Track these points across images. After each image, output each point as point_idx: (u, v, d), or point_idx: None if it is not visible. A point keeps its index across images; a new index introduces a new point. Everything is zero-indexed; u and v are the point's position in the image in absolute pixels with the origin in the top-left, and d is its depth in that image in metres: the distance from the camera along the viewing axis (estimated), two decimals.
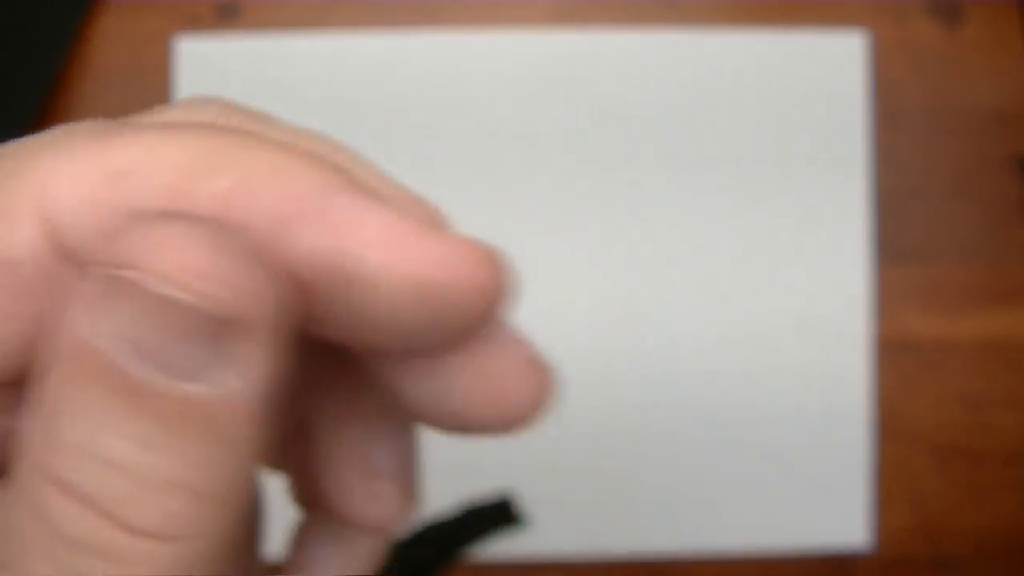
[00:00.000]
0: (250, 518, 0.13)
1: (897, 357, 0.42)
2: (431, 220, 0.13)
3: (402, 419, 0.15)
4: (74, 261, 0.12)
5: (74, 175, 0.12)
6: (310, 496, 0.15)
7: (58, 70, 0.41)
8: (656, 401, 0.41)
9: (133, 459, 0.10)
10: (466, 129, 0.42)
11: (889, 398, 0.42)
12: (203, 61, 0.42)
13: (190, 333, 0.10)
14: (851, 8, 0.43)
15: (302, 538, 0.16)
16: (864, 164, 0.42)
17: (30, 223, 0.12)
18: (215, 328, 0.10)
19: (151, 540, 0.10)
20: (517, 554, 0.41)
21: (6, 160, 0.12)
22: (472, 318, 0.12)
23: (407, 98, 0.42)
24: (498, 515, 0.41)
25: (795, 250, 0.42)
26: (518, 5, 0.43)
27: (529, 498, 0.41)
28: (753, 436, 0.41)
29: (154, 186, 0.11)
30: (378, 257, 0.11)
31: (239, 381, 0.10)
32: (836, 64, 0.42)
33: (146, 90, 0.42)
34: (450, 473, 0.41)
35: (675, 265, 0.42)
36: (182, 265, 0.10)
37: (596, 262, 0.42)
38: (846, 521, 0.42)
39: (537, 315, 0.42)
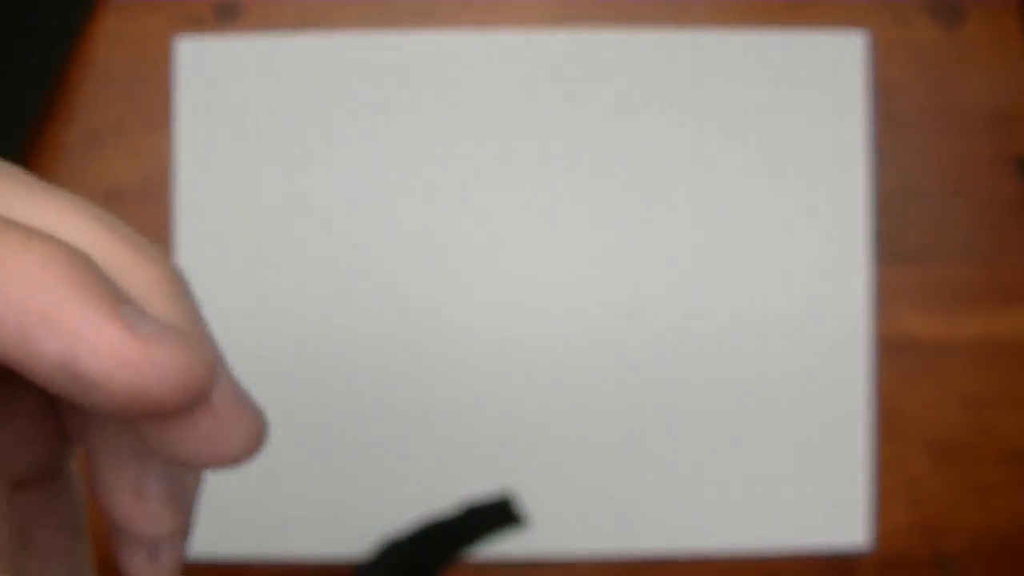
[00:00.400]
0: None
1: (897, 357, 0.42)
2: (158, 292, 0.14)
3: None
4: None
5: None
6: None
7: (58, 70, 0.42)
8: (656, 401, 0.41)
9: None
10: (466, 129, 0.42)
11: (889, 398, 0.42)
12: (203, 61, 0.42)
13: None
14: (851, 8, 0.43)
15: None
16: (864, 164, 0.42)
17: None
18: None
19: None
20: (517, 554, 0.41)
21: None
22: (180, 406, 0.13)
23: (407, 98, 0.42)
24: (498, 515, 0.41)
25: (795, 250, 0.42)
26: (518, 5, 0.43)
27: (529, 498, 0.41)
28: (753, 436, 0.41)
29: None
30: (95, 365, 0.12)
31: None
32: (836, 64, 0.42)
33: (146, 90, 0.42)
34: (450, 473, 0.41)
35: (675, 265, 0.42)
36: None
37: (596, 262, 0.42)
38: (845, 520, 0.42)
39: (537, 314, 0.42)
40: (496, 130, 0.42)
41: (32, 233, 0.13)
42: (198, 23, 0.42)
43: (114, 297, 0.13)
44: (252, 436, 0.14)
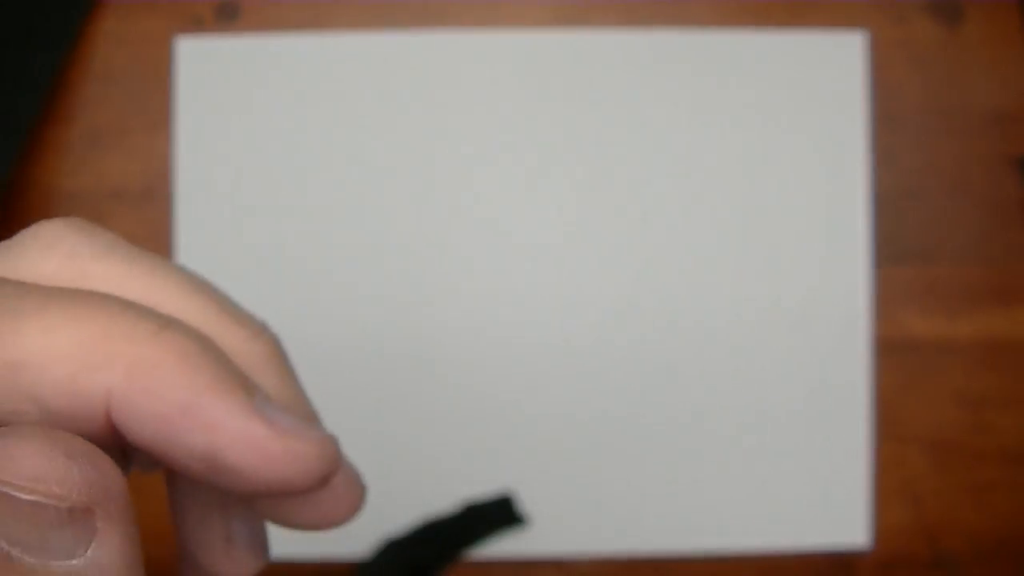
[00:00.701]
0: None
1: (896, 357, 0.42)
2: (281, 382, 0.15)
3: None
4: None
5: None
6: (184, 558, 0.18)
7: (58, 70, 0.42)
8: (656, 401, 0.41)
9: None
10: (466, 129, 0.42)
11: (888, 398, 0.42)
12: (203, 61, 0.42)
13: (48, 524, 0.12)
14: (851, 8, 0.43)
15: None
16: (864, 164, 0.42)
17: None
18: (66, 517, 0.12)
19: None
20: (517, 554, 0.41)
21: None
22: (312, 490, 0.14)
23: (407, 98, 0.42)
24: (498, 515, 0.41)
25: (795, 250, 0.42)
26: (518, 5, 0.43)
27: (529, 498, 0.41)
28: (752, 435, 0.41)
29: (50, 380, 0.13)
30: (237, 458, 0.13)
31: (105, 551, 0.12)
32: (836, 64, 0.42)
33: (146, 90, 0.42)
34: (450, 473, 0.41)
35: (674, 265, 0.42)
36: (20, 472, 0.12)
37: (596, 262, 0.42)
38: (845, 520, 0.42)
39: (536, 313, 0.42)
40: (496, 130, 0.42)
41: (163, 321, 0.13)
42: (198, 23, 0.42)
43: (247, 386, 0.13)
44: (358, 503, 0.16)
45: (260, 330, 0.15)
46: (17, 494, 0.12)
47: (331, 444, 0.14)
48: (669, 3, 0.43)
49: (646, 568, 0.41)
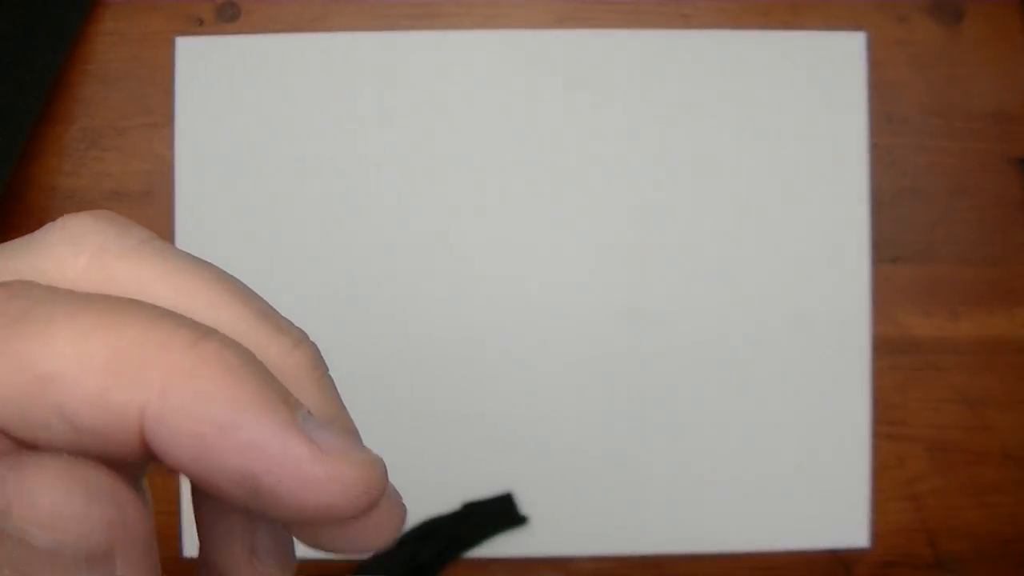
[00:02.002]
0: None
1: (896, 357, 0.42)
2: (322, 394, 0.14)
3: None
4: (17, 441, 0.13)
5: (1, 376, 0.12)
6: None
7: (58, 70, 0.42)
8: (656, 401, 0.41)
9: None
10: (466, 129, 0.42)
11: (888, 398, 0.42)
12: (203, 61, 0.42)
13: (62, 566, 0.11)
14: (851, 8, 0.43)
15: None
16: (864, 164, 0.42)
17: None
18: (84, 559, 0.11)
19: None
20: (517, 554, 0.41)
21: None
22: (356, 516, 0.13)
23: (407, 98, 0.42)
24: (498, 514, 0.41)
25: (795, 250, 0.42)
26: (518, 5, 0.43)
27: (529, 498, 0.41)
28: (753, 436, 0.41)
29: (80, 395, 0.12)
30: (278, 483, 0.12)
31: None
32: (836, 64, 0.42)
33: (146, 90, 0.42)
34: (450, 473, 0.41)
35: (675, 266, 0.42)
36: (38, 508, 0.11)
37: (596, 261, 0.42)
38: (845, 520, 0.42)
39: (537, 314, 0.42)
40: (496, 130, 0.42)
41: (201, 331, 0.12)
42: (198, 23, 0.42)
43: (290, 402, 0.12)
44: (398, 527, 0.14)
45: (300, 339, 0.14)
46: (32, 539, 0.11)
47: (378, 467, 0.13)
48: (669, 3, 0.43)
49: (646, 568, 0.41)
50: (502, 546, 0.41)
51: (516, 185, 0.42)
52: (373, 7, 0.42)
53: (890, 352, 0.42)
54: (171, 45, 0.42)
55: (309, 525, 0.13)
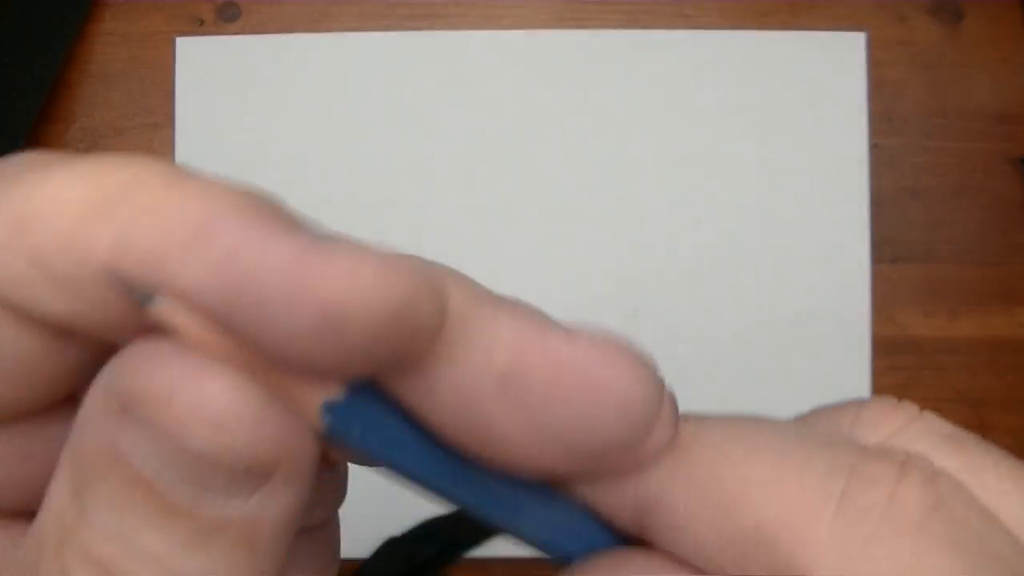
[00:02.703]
0: None
1: (896, 357, 0.42)
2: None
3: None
4: (7, 307, 0.11)
5: None
6: None
7: (58, 70, 0.42)
8: None
9: (167, 555, 0.11)
10: (466, 129, 0.42)
11: None
12: (203, 61, 0.42)
13: (215, 469, 0.10)
14: (851, 8, 0.43)
15: None
16: (864, 164, 0.42)
17: None
18: (241, 469, 0.10)
19: None
20: (517, 554, 0.41)
21: None
22: (389, 345, 0.11)
23: (407, 98, 0.42)
24: None
25: (795, 250, 0.42)
26: (518, 5, 0.43)
27: None
28: None
29: (52, 234, 0.11)
30: (262, 296, 0.10)
31: (267, 506, 0.11)
32: (836, 64, 0.42)
33: (146, 90, 0.42)
34: None
35: (675, 264, 0.42)
36: (201, 413, 0.10)
37: (597, 260, 0.42)
38: None
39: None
40: (496, 130, 0.42)
41: (205, 178, 0.11)
42: (198, 23, 0.42)
43: (281, 214, 0.11)
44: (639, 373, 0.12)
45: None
46: (189, 438, 0.10)
47: (418, 273, 0.10)
48: (669, 3, 0.43)
49: None
50: (502, 546, 0.41)
51: (515, 185, 0.42)
52: (373, 7, 0.42)
53: (890, 352, 0.42)
54: (171, 45, 0.42)
55: (324, 367, 0.10)
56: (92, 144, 0.42)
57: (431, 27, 0.42)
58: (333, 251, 0.10)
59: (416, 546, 0.43)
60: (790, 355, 0.42)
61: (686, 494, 0.12)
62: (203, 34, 0.42)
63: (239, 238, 0.10)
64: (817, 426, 0.14)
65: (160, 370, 0.10)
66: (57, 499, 0.11)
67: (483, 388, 0.11)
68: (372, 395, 0.11)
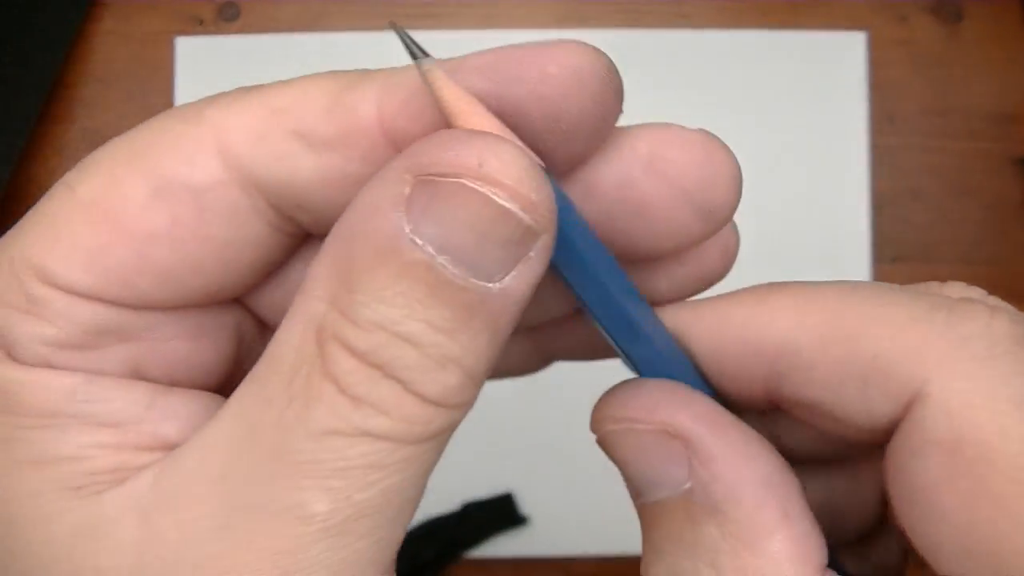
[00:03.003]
0: None
1: None
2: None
3: None
4: (252, 188, 0.14)
5: (244, 115, 0.14)
6: None
7: (58, 70, 0.42)
8: None
9: (426, 339, 0.12)
10: None
11: None
12: (203, 61, 0.42)
13: (499, 237, 0.12)
14: (851, 8, 0.43)
15: None
16: (864, 164, 0.42)
17: (212, 158, 0.14)
18: (520, 234, 0.12)
19: (430, 406, 0.12)
20: (517, 554, 0.41)
21: (182, 110, 0.14)
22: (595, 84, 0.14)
23: None
24: (498, 514, 0.41)
25: (795, 250, 0.42)
26: (518, 5, 0.43)
27: (529, 498, 0.41)
28: None
29: (310, 112, 0.14)
30: (530, 63, 0.14)
31: (520, 281, 0.13)
32: (836, 64, 0.42)
33: (146, 90, 0.42)
34: (451, 473, 0.41)
35: None
36: (508, 174, 0.12)
37: None
38: None
39: None
40: None
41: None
42: (198, 23, 0.42)
43: None
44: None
45: None
46: (495, 194, 0.12)
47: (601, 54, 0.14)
48: (669, 3, 0.43)
49: None
50: (502, 546, 0.41)
51: None
52: (373, 7, 0.42)
53: None
54: (171, 45, 0.42)
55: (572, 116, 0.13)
56: (92, 144, 0.42)
57: (431, 27, 0.42)
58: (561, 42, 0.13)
59: (416, 546, 0.43)
60: None
61: (810, 336, 0.14)
62: (203, 34, 0.42)
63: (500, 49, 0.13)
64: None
65: (466, 143, 0.12)
66: (315, 303, 0.12)
67: (633, 171, 0.15)
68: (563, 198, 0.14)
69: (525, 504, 0.41)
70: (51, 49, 0.41)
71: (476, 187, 0.12)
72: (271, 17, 0.42)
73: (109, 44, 0.42)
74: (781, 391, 0.15)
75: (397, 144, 0.14)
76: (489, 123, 0.13)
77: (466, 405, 0.13)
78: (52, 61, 0.41)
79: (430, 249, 0.12)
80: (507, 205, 0.12)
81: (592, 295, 0.15)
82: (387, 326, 0.12)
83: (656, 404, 0.15)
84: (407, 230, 0.12)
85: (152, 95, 0.42)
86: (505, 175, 0.12)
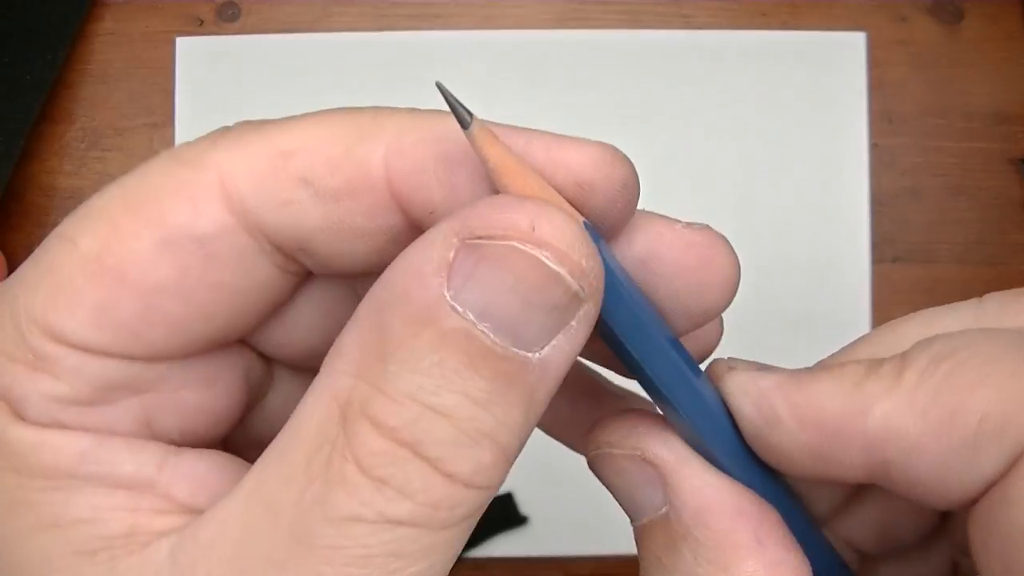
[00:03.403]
0: None
1: None
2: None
3: None
4: (257, 232, 0.14)
5: (249, 158, 0.14)
6: None
7: (58, 70, 0.42)
8: None
9: (462, 411, 0.12)
10: None
11: None
12: (203, 61, 0.42)
13: (544, 303, 0.12)
14: (851, 8, 0.43)
15: None
16: (864, 164, 0.42)
17: (218, 204, 0.13)
18: (566, 301, 0.12)
19: (459, 487, 0.12)
20: (517, 553, 0.41)
21: (183, 152, 0.14)
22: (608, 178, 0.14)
23: (407, 98, 0.42)
24: (498, 514, 0.41)
25: (795, 250, 0.42)
26: (518, 5, 0.43)
27: (529, 499, 0.41)
28: None
29: (323, 159, 0.13)
30: (539, 162, 0.14)
31: (560, 352, 0.12)
32: (837, 64, 0.42)
33: (146, 90, 0.42)
34: None
35: None
36: (560, 238, 0.12)
37: None
38: None
39: None
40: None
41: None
42: (198, 23, 0.42)
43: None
44: (731, 279, 0.16)
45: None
46: (546, 258, 0.12)
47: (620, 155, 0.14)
48: (669, 3, 0.43)
49: None
50: (502, 546, 0.41)
51: None
52: (373, 7, 0.42)
53: None
54: (171, 45, 0.42)
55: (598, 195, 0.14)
56: (92, 144, 0.42)
57: (431, 27, 0.42)
58: (579, 140, 0.14)
59: None
60: (790, 355, 0.42)
61: (915, 418, 0.14)
62: (203, 34, 0.42)
63: (505, 134, 0.14)
64: (991, 311, 0.16)
65: (518, 206, 0.12)
66: (340, 377, 0.12)
67: (626, 262, 0.14)
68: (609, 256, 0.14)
69: (525, 504, 0.41)
70: (51, 49, 0.41)
71: (527, 249, 0.12)
72: (271, 17, 0.42)
73: (109, 44, 0.42)
74: (888, 474, 0.14)
75: (403, 204, 0.14)
76: (539, 186, 0.13)
77: (494, 488, 0.13)
78: (52, 61, 0.41)
79: (471, 316, 0.12)
80: (557, 269, 0.12)
81: (650, 357, 0.15)
82: (420, 397, 0.12)
83: (631, 431, 0.15)
84: (448, 296, 0.12)
85: (152, 95, 0.42)
86: (557, 239, 0.12)
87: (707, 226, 0.15)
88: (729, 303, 0.16)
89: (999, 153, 0.42)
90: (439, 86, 0.13)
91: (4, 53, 0.41)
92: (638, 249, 0.14)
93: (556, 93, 0.42)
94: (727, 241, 0.15)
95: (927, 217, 0.42)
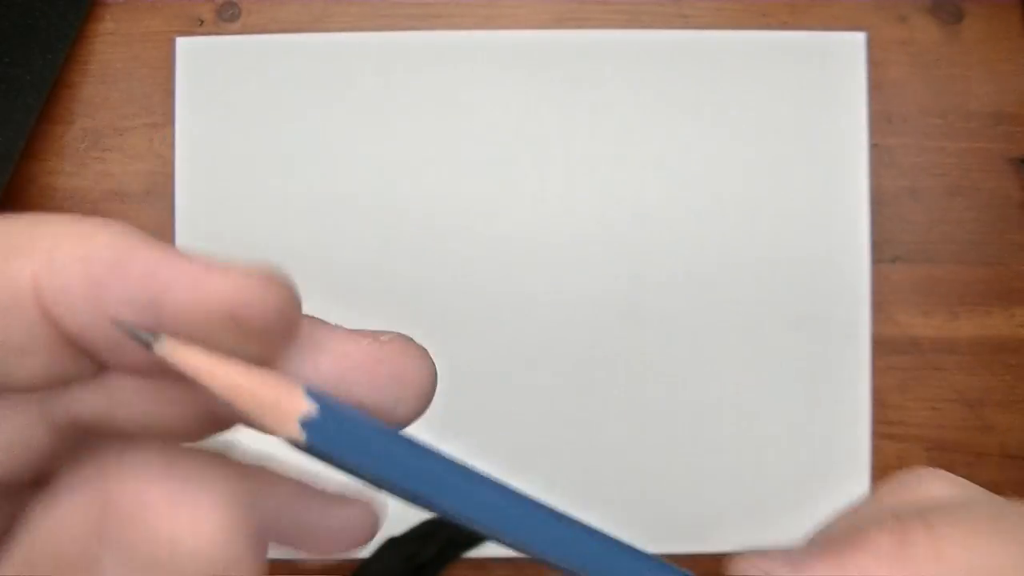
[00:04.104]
0: None
1: (896, 357, 0.42)
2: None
3: None
4: None
5: None
6: None
7: (58, 70, 0.42)
8: (656, 401, 0.41)
9: None
10: (465, 129, 0.42)
11: (888, 398, 0.42)
12: (203, 61, 0.42)
13: None
14: (851, 8, 0.43)
15: None
16: (864, 164, 0.42)
17: None
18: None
19: None
20: (517, 553, 0.41)
21: None
22: (263, 322, 0.13)
23: (407, 98, 0.42)
24: None
25: (795, 250, 0.42)
26: (518, 5, 0.43)
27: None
28: (753, 436, 0.41)
29: None
30: (178, 298, 0.12)
31: None
32: (836, 64, 0.42)
33: (146, 90, 0.42)
34: None
35: (674, 265, 0.42)
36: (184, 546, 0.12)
37: (596, 261, 0.42)
38: None
39: (536, 312, 0.42)
40: (496, 131, 0.42)
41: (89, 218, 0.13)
42: (198, 23, 0.42)
43: (174, 248, 0.13)
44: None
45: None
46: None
47: (280, 280, 0.14)
48: (669, 3, 0.43)
49: None
50: (502, 546, 0.41)
51: (515, 186, 0.42)
52: (373, 7, 0.42)
53: (890, 352, 0.42)
54: (171, 45, 0.42)
55: (234, 341, 0.13)
56: (92, 144, 0.42)
57: (431, 27, 0.42)
58: (227, 268, 0.13)
59: (416, 546, 0.43)
60: (790, 355, 0.42)
61: None
62: (203, 34, 0.42)
63: (153, 259, 0.12)
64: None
65: (142, 497, 0.12)
66: None
67: (317, 383, 0.14)
68: (347, 410, 0.14)
69: None
70: (51, 49, 0.41)
71: (147, 547, 0.12)
72: (271, 17, 0.42)
73: (109, 44, 0.42)
74: None
75: (54, 321, 0.13)
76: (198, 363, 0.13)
77: None
78: (52, 61, 0.41)
79: None
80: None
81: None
82: None
83: None
84: (97, 557, 0.12)
85: (152, 95, 0.42)
86: (176, 544, 0.12)
87: (397, 335, 0.15)
88: (426, 408, 0.16)
89: (999, 153, 0.42)
90: (117, 324, 0.13)
91: (4, 53, 0.41)
92: (325, 371, 0.14)
93: (556, 92, 0.42)
94: (420, 348, 0.15)
95: (926, 217, 0.42)
